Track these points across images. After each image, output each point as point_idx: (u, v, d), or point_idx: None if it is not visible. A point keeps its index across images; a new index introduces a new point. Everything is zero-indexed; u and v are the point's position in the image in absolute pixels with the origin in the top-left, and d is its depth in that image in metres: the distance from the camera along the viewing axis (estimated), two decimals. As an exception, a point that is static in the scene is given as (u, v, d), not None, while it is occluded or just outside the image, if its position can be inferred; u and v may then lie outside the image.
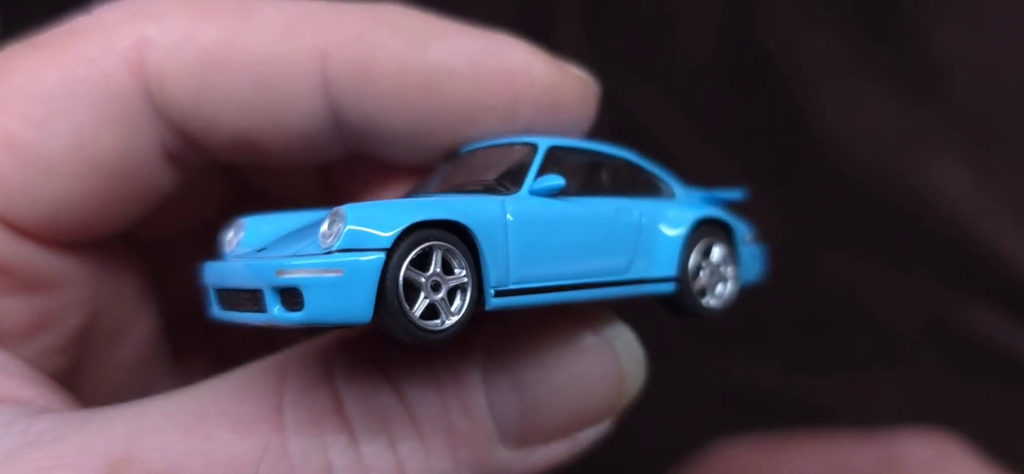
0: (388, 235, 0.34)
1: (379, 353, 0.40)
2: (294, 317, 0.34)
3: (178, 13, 0.43)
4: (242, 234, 0.42)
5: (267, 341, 0.52)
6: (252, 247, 0.41)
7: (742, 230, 0.47)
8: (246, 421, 0.38)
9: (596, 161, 0.44)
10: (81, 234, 0.45)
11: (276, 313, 0.35)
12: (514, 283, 0.37)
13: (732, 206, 0.50)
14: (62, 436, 0.37)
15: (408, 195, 0.44)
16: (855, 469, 0.73)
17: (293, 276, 0.34)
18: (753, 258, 0.48)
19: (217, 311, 0.39)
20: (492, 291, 0.36)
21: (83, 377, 0.48)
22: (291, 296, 0.34)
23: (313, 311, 0.33)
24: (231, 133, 0.45)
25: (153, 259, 0.53)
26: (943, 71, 1.02)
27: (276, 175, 0.52)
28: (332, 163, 0.49)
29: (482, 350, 0.40)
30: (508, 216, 0.37)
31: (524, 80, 0.44)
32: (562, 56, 0.46)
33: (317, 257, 0.34)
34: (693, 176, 0.51)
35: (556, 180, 0.40)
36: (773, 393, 0.94)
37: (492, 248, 0.36)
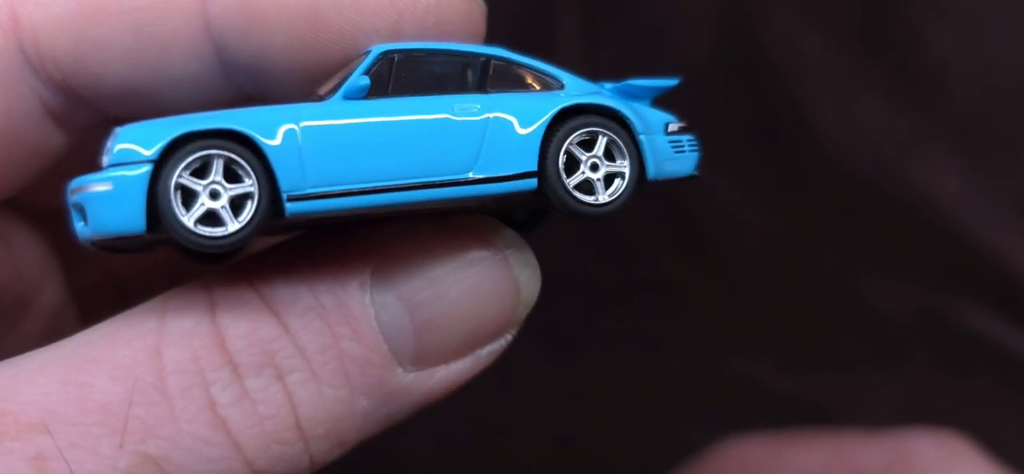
0: (152, 150, 0.35)
1: (260, 285, 0.39)
2: (85, 232, 0.36)
3: None
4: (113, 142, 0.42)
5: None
6: None
7: (652, 119, 0.43)
8: (123, 365, 0.37)
9: (459, 62, 0.41)
10: None
11: (79, 228, 0.37)
12: (311, 188, 0.37)
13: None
14: None
15: None
16: (864, 468, 0.74)
17: (78, 193, 0.36)
18: (678, 148, 0.44)
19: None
20: (285, 196, 0.36)
21: None
22: (82, 212, 0.36)
23: (95, 225, 0.35)
24: (114, 85, 0.43)
25: (55, 229, 0.50)
26: (940, 72, 1.02)
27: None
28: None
29: (368, 273, 0.39)
30: (303, 122, 0.37)
31: (407, 1, 0.42)
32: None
33: (96, 173, 0.36)
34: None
35: (361, 81, 0.39)
36: (771, 392, 0.94)
37: (282, 155, 0.36)
